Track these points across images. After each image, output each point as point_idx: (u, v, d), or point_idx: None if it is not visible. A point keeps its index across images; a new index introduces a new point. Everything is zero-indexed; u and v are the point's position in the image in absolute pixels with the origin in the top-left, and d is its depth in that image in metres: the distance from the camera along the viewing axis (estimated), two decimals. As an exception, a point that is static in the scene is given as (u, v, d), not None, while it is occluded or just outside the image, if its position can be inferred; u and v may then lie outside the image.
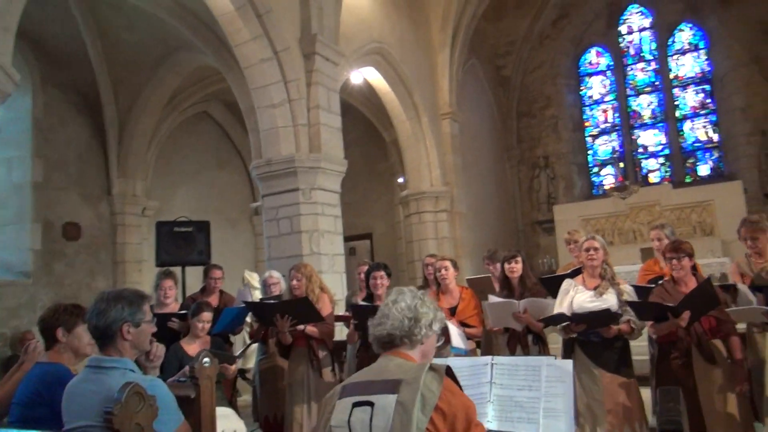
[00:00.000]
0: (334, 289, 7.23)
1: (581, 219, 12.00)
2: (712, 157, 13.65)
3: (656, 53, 14.40)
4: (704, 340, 3.98)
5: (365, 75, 10.30)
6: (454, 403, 1.87)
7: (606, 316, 4.09)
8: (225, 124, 12.89)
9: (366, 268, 6.03)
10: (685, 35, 14.14)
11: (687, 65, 14.03)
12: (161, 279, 5.56)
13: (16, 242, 9.14)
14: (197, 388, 3.33)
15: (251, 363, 6.10)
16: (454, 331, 4.47)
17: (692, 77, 13.97)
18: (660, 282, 4.36)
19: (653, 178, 14.04)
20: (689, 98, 13.95)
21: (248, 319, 6.43)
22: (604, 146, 14.82)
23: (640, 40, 14.66)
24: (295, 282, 5.10)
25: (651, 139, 14.25)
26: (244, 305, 5.68)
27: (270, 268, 7.02)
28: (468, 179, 12.01)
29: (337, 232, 7.72)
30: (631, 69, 14.68)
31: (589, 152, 14.93)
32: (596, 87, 14.98)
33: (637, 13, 14.74)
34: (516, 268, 4.88)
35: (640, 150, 14.31)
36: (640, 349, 4.81)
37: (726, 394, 3.89)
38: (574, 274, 4.66)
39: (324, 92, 7.77)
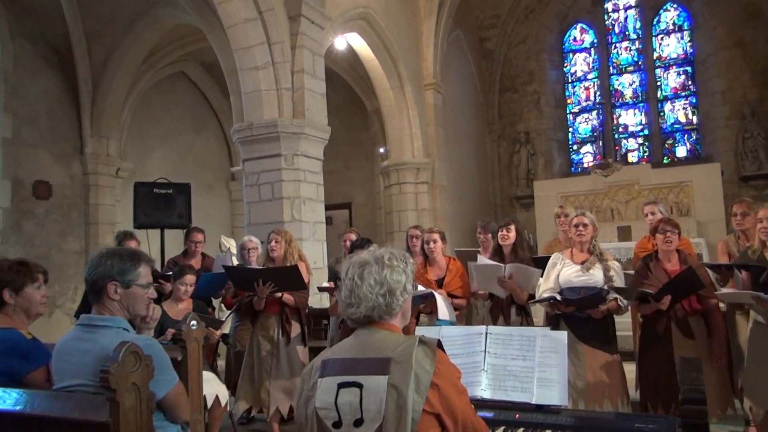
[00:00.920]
0: (314, 257, 7.26)
1: (560, 195, 12.14)
2: (690, 139, 13.82)
3: (641, 32, 14.42)
4: (682, 316, 4.12)
5: (349, 41, 10.15)
6: (446, 374, 1.82)
7: (598, 298, 4.15)
8: (203, 86, 12.67)
9: (353, 236, 6.01)
10: (670, 15, 14.17)
11: (671, 46, 14.09)
12: (123, 241, 5.44)
13: (-16, 199, 8.92)
14: (184, 351, 3.31)
15: (227, 329, 6.08)
16: (441, 303, 4.48)
17: (675, 58, 14.06)
18: (643, 260, 4.45)
19: (632, 157, 14.11)
20: (671, 79, 14.05)
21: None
22: (585, 124, 14.91)
23: (626, 18, 14.64)
24: (273, 243, 5.06)
25: (631, 118, 14.37)
26: (224, 270, 5.64)
27: (250, 234, 6.99)
28: (449, 152, 12.00)
29: (319, 200, 7.69)
30: (615, 47, 14.67)
31: (570, 129, 15.03)
32: (579, 64, 14.98)
33: (623, -10, 14.83)
34: (509, 235, 4.86)
35: (621, 129, 14.48)
36: (624, 325, 4.91)
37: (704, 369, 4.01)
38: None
39: (309, 56, 7.64)
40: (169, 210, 7.47)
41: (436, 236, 4.99)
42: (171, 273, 5.11)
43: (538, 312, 5.24)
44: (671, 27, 14.14)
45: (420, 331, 2.89)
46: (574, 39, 15.13)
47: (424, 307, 4.57)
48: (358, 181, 13.58)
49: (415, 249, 5.16)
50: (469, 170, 13.66)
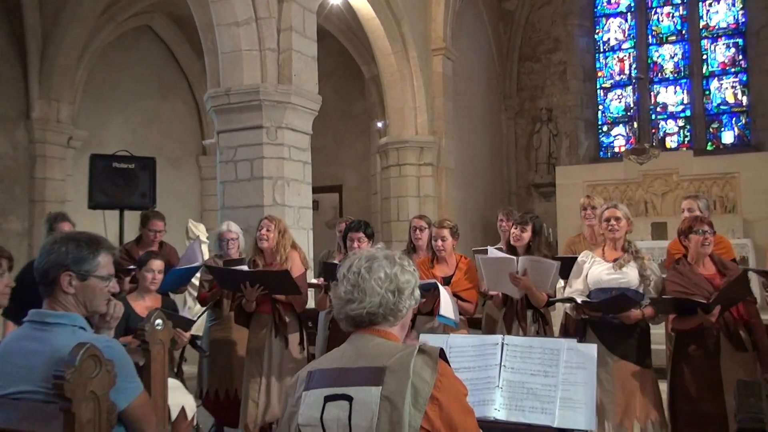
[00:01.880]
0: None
1: (586, 184, 12.17)
2: (739, 123, 13.80)
3: (686, -4, 14.53)
4: (733, 327, 4.14)
5: (346, -5, 10.11)
6: (450, 389, 1.84)
7: (625, 300, 4.16)
8: (171, 43, 12.63)
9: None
10: (721, -23, 14.24)
11: (720, 13, 14.00)
12: (55, 223, 5.34)
13: None
14: (147, 355, 3.29)
15: (200, 330, 6.08)
16: (445, 297, 4.48)
17: (724, 28, 13.99)
18: (674, 266, 4.48)
19: (670, 142, 14.09)
20: (719, 53, 14.01)
21: (195, 280, 6.37)
22: (617, 102, 14.84)
23: (669, -22, 14.73)
24: (265, 231, 5.11)
25: (672, 97, 14.28)
26: (196, 264, 5.63)
27: (223, 218, 6.94)
28: (459, 129, 11.96)
29: (306, 182, 7.63)
30: (656, 13, 14.53)
31: (600, 107, 14.96)
32: (613, 31, 14.88)
33: (668, -54, 14.78)
34: (522, 236, 4.89)
35: (659, 109, 14.41)
36: (658, 338, 4.93)
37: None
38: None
39: (299, 12, 7.57)
40: (130, 188, 7.42)
41: (446, 232, 4.98)
42: (132, 267, 5.08)
43: (556, 320, 5.26)
44: (722, -9, 14.21)
45: (424, 339, 2.89)
46: (608, 1, 14.99)
47: (423, 304, 4.55)
48: (350, 160, 13.56)
49: (419, 243, 5.16)
50: (481, 151, 13.61)
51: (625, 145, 14.20)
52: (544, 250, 5.02)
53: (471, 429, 1.85)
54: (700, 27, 14.20)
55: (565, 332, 4.76)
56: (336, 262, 5.55)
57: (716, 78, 14.00)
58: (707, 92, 14.07)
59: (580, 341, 4.29)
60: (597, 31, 15.07)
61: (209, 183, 12.60)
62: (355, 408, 1.79)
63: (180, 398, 4.64)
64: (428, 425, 1.76)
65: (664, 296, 4.24)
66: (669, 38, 14.50)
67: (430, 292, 4.52)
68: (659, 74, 14.52)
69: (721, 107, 13.95)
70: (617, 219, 4.41)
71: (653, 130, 14.46)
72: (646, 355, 4.31)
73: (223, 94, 7.34)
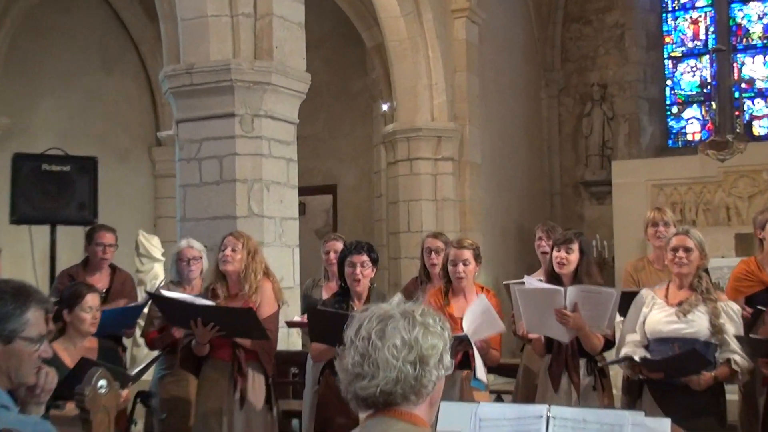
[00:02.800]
0: (283, 271, 7.24)
1: (651, 184, 12.12)
2: None
3: (778, -61, 14.43)
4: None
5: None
6: None
7: (695, 359, 4.16)
8: (118, 4, 12.56)
9: (338, 245, 5.96)
10: None
11: (823, -40, 14.07)
12: None
13: None
14: (87, 426, 3.29)
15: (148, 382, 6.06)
16: (479, 359, 4.47)
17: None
18: (749, 297, 4.45)
19: (758, 128, 14.13)
20: (822, 12, 14.06)
21: (140, 319, 6.33)
22: (691, 76, 14.77)
23: None
24: (229, 252, 5.03)
25: (760, 69, 14.20)
26: (141, 302, 5.59)
27: (184, 233, 6.92)
28: (487, 113, 11.86)
29: (290, 185, 7.57)
30: (740, -40, 14.76)
31: (668, 83, 14.89)
32: (685, -16, 15.06)
33: None
34: (569, 259, 4.82)
35: (744, 85, 14.21)
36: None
37: None
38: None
39: (281, -34, 7.58)
40: (65, 197, 7.31)
41: (468, 254, 4.96)
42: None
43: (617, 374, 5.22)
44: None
45: (446, 408, 2.86)
46: (678, -54, 15.15)
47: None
48: (347, 153, 13.56)
49: (434, 270, 5.13)
50: (516, 141, 13.48)
51: (700, 132, 14.18)
52: (597, 277, 4.97)
53: None
54: (798, -22, 14.23)
55: (629, 390, 4.70)
56: (324, 297, 5.50)
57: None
58: (807, 63, 14.09)
59: (634, 405, 4.28)
60: (664, -17, 15.22)
61: (166, 182, 12.60)
62: None
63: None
64: None
65: (753, 336, 4.21)
66: (757, -6, 14.60)
67: (455, 343, 4.49)
68: (744, 40, 14.46)
69: (827, 83, 13.97)
70: (687, 250, 4.38)
71: (737, 113, 14.26)
72: (721, 422, 4.28)
73: (184, 72, 7.24)
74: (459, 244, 5.09)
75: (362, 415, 2.04)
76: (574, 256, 4.86)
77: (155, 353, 5.66)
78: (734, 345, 4.23)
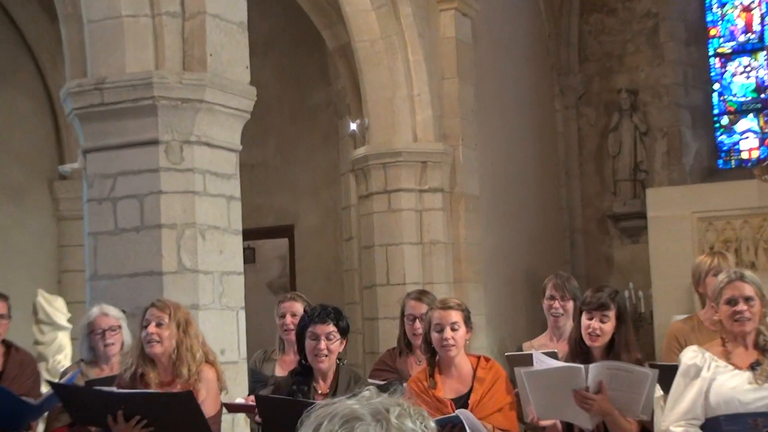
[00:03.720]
0: (224, 341, 7.17)
1: (697, 217, 11.97)
2: None
3: None
4: None
5: None
6: None
7: None
8: (9, 3, 12.59)
9: (296, 306, 5.95)
10: None
11: None
12: None
13: None
14: None
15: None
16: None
17: None
18: None
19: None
20: None
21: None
22: (744, 77, 14.88)
23: None
24: (153, 329, 5.03)
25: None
26: (46, 394, 5.58)
27: (96, 294, 6.94)
28: (485, 131, 11.70)
29: (232, 229, 7.48)
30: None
31: (716, 87, 14.93)
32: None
33: None
34: (602, 329, 4.86)
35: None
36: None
37: None
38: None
39: (215, -49, 7.53)
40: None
41: (457, 316, 4.94)
42: None
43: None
44: None
45: None
46: None
47: None
48: (306, 185, 13.37)
49: (417, 341, 5.13)
50: (523, 165, 13.25)
51: (758, 149, 14.20)
52: (635, 351, 4.95)
53: None
54: None
55: None
56: (277, 373, 5.48)
57: None
58: None
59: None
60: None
61: (71, 226, 12.44)
62: None
63: None
64: None
65: None
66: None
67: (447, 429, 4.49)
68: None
69: None
70: (747, 299, 4.40)
71: (803, 124, 14.47)
72: None
73: (93, 88, 7.22)
74: (444, 304, 5.09)
75: None
76: (610, 325, 4.89)
77: None
78: None
